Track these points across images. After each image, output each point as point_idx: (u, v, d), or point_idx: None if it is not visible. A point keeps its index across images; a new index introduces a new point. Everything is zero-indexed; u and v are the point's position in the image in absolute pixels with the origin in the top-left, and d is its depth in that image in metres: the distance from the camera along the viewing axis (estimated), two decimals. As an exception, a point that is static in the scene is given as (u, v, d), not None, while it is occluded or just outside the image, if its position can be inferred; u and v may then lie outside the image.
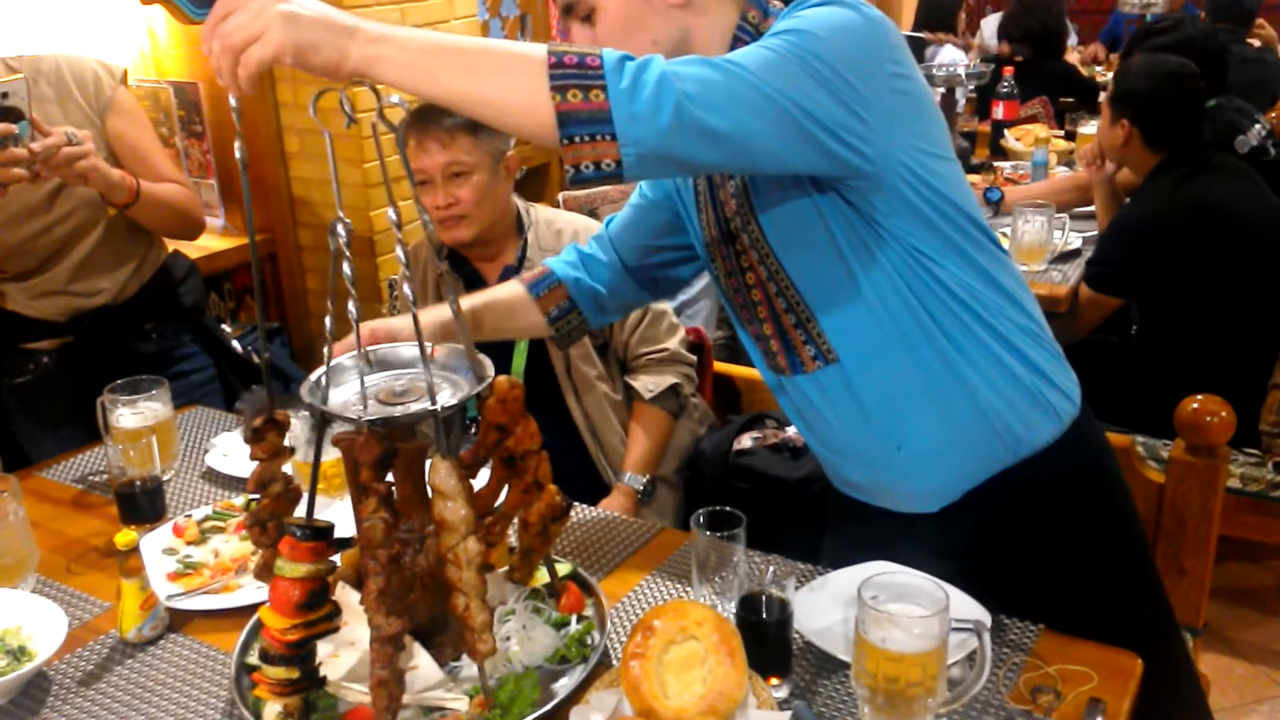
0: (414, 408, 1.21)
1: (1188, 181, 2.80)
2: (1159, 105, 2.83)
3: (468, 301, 1.62)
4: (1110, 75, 5.48)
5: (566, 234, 2.25)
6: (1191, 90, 2.83)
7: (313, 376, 1.27)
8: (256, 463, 1.33)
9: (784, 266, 1.42)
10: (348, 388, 1.28)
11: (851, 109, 1.24)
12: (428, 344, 1.24)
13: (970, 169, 3.84)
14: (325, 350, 1.24)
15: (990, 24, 6.18)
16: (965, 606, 1.34)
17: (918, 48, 5.23)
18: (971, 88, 4.46)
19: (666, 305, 2.31)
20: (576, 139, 1.14)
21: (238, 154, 1.20)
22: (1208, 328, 2.75)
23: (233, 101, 1.19)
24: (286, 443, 1.90)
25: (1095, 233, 3.25)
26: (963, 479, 1.46)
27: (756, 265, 1.44)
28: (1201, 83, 2.87)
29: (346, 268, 1.18)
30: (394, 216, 1.16)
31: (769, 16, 1.39)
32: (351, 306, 1.17)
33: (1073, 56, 5.81)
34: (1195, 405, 1.74)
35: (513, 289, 1.69)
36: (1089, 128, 3.93)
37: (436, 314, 1.54)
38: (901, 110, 1.32)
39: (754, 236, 1.42)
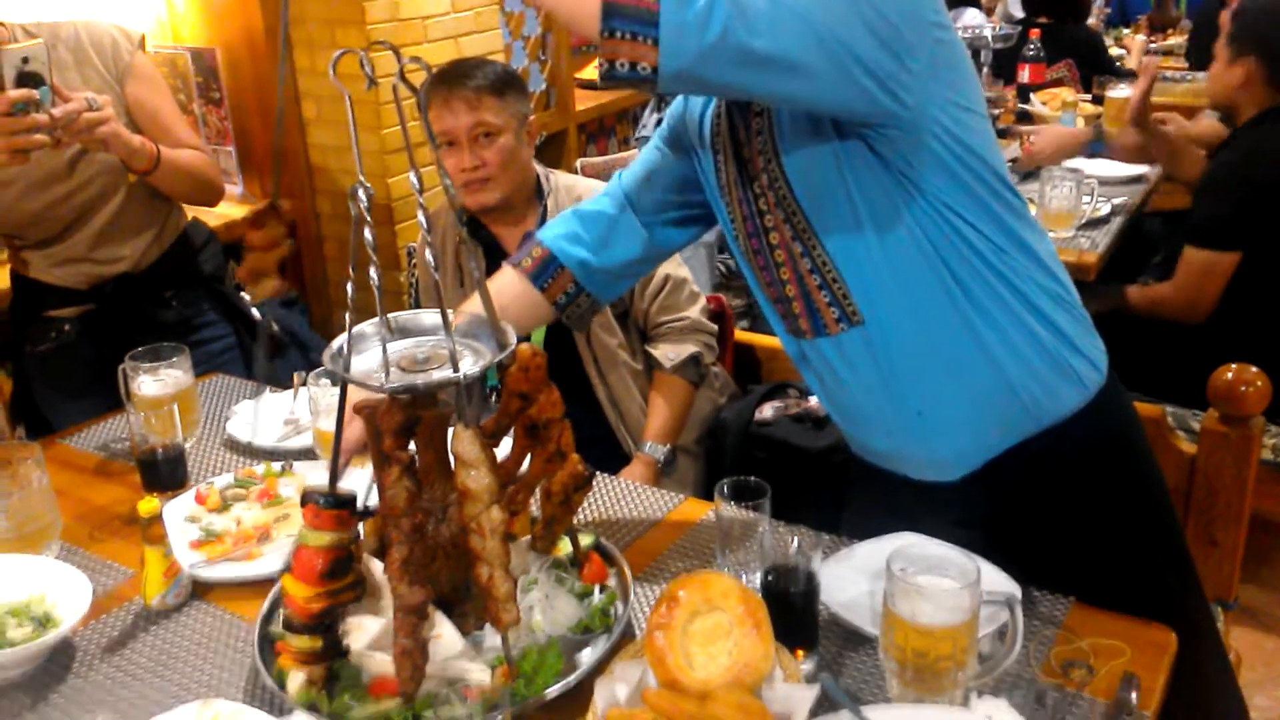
0: (436, 375, 1.20)
1: None
2: None
3: (472, 305, 1.58)
4: (1123, 49, 5.41)
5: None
6: None
7: (334, 344, 1.25)
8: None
9: (811, 225, 1.39)
10: (370, 355, 1.27)
11: (896, 54, 1.23)
12: (449, 311, 1.22)
13: (997, 134, 3.78)
14: (347, 317, 1.22)
15: (1014, -12, 6.09)
16: (995, 579, 1.32)
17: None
18: (993, 50, 4.39)
19: (687, 273, 2.29)
20: (618, 33, 1.12)
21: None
22: (1246, 296, 2.69)
23: None
24: (305, 417, 1.90)
25: (1124, 199, 3.20)
26: (985, 447, 1.45)
27: (782, 224, 1.42)
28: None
29: (368, 233, 1.16)
30: (415, 181, 1.14)
31: None
32: (373, 273, 1.16)
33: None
34: (1230, 375, 1.71)
35: (514, 282, 1.63)
36: (1117, 91, 3.86)
37: (469, 309, 1.51)
38: (941, 61, 1.30)
39: (781, 194, 1.40)
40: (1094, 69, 4.73)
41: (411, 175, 1.14)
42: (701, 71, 1.15)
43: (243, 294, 2.65)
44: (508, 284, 1.64)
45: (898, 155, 1.32)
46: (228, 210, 3.21)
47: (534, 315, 1.65)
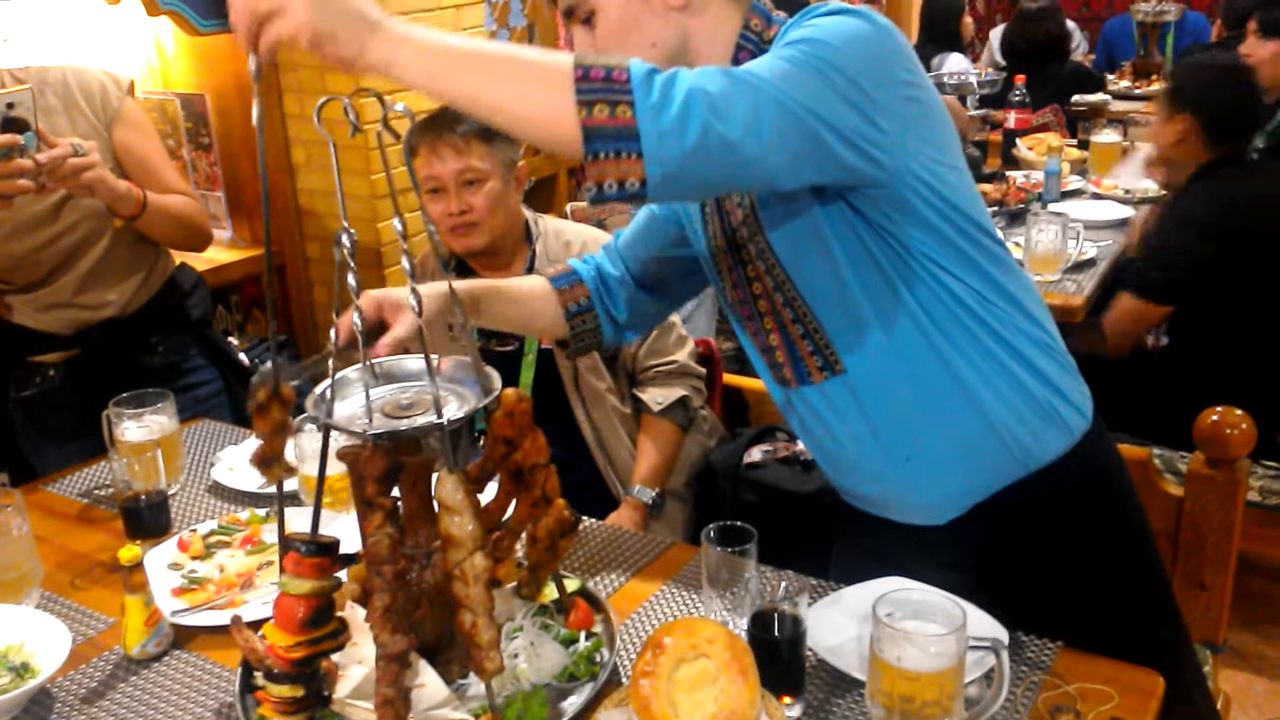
0: (420, 421, 1.19)
1: (1249, 174, 2.75)
2: (1221, 99, 2.77)
3: (488, 281, 1.60)
4: (1121, 84, 5.48)
5: (575, 245, 2.23)
6: (1251, 85, 2.80)
7: (318, 389, 1.25)
8: (260, 442, 1.30)
9: (790, 277, 1.40)
10: (353, 400, 1.26)
11: (868, 116, 1.23)
12: (434, 356, 1.22)
13: (982, 179, 3.82)
14: (329, 363, 1.22)
15: (999, 35, 6.16)
16: (982, 624, 1.31)
17: (922, 58, 5.21)
18: (977, 98, 4.44)
19: (675, 317, 2.29)
20: (602, 155, 1.12)
21: (255, 120, 1.17)
22: (1231, 338, 2.71)
23: (251, 65, 1.16)
24: (292, 458, 1.89)
25: (1110, 243, 3.22)
26: (971, 491, 1.45)
27: (763, 275, 1.43)
28: (1257, 80, 2.84)
29: (351, 279, 1.16)
30: (399, 227, 1.15)
31: (772, 24, 1.38)
32: (356, 318, 1.16)
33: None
34: (1215, 417, 1.71)
35: (535, 284, 1.67)
36: (1102, 136, 3.90)
37: (437, 286, 1.51)
38: (914, 118, 1.30)
39: (760, 247, 1.41)
40: (1090, 91, 4.80)
41: (396, 221, 1.14)
42: (687, 173, 1.15)
43: (230, 339, 2.65)
44: (531, 284, 1.68)
45: (877, 212, 1.33)
46: (216, 255, 3.21)
47: (546, 314, 1.67)
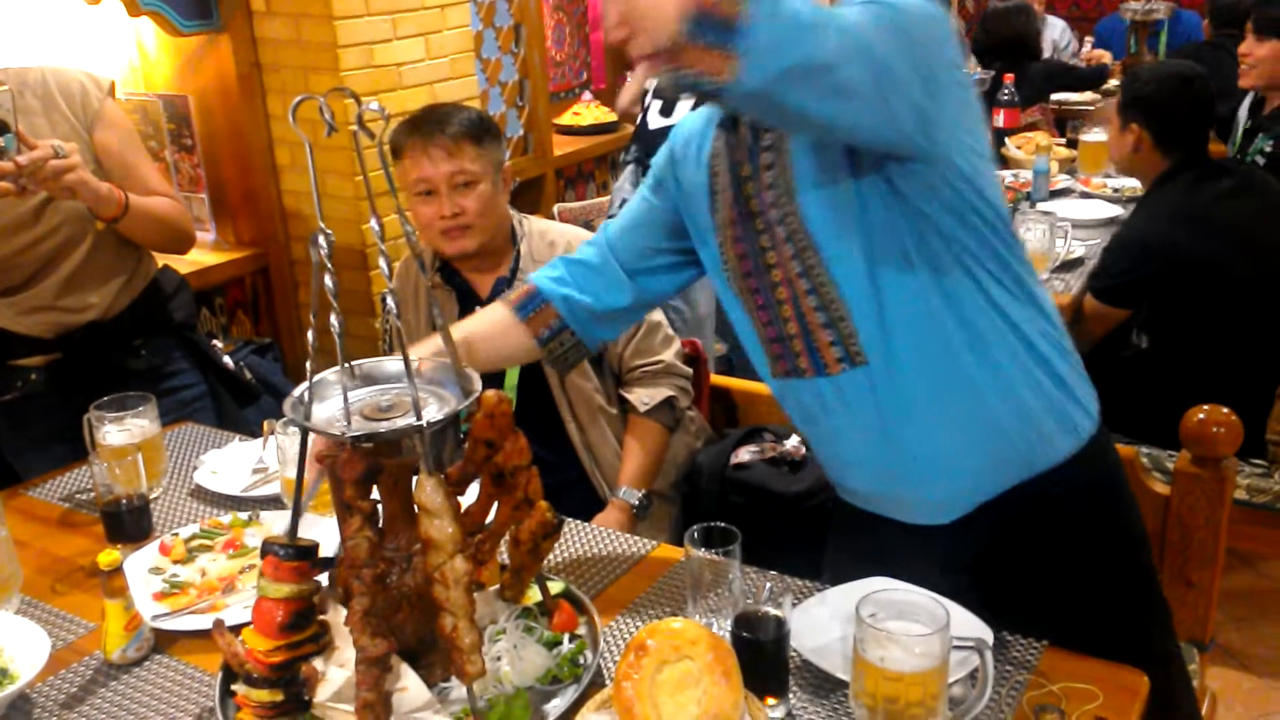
0: (399, 423, 1.18)
1: (1194, 189, 2.77)
2: (1170, 108, 2.81)
3: (455, 333, 1.58)
4: (1112, 83, 5.49)
5: (560, 245, 2.22)
6: (1201, 93, 2.82)
7: (296, 392, 1.24)
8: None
9: (825, 262, 1.37)
10: (332, 403, 1.25)
11: (931, 93, 1.22)
12: (414, 358, 1.21)
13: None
14: (308, 365, 1.21)
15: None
16: (967, 624, 1.30)
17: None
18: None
19: (661, 317, 2.28)
20: (698, 40, 1.02)
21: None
22: (1214, 337, 2.72)
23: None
24: (274, 465, 1.88)
25: (1098, 241, 3.23)
26: (977, 491, 1.44)
27: (789, 261, 1.40)
28: (1211, 86, 2.85)
29: (328, 280, 1.15)
30: (377, 228, 1.14)
31: None
32: (334, 319, 1.15)
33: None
34: (1201, 416, 1.71)
35: (498, 313, 1.64)
36: (1091, 135, 3.91)
37: (430, 346, 1.51)
38: (962, 104, 1.31)
39: (792, 230, 1.38)
40: (1073, 87, 4.81)
41: (373, 222, 1.14)
42: (769, 93, 1.07)
43: (214, 342, 2.63)
44: (494, 317, 1.64)
45: (915, 192, 1.31)
46: (200, 257, 3.19)
47: (517, 348, 1.64)
